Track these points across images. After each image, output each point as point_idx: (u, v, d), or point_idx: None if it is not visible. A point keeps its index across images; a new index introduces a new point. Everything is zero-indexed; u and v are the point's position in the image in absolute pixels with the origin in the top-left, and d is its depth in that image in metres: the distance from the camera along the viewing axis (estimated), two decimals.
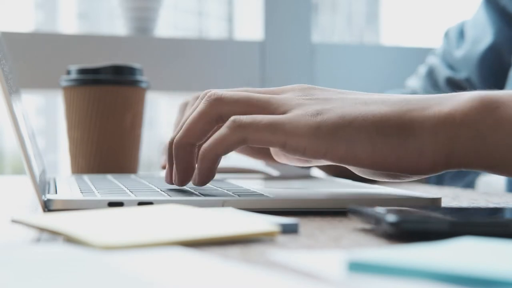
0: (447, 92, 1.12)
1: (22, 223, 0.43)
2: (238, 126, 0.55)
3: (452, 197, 0.74)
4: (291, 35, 1.45)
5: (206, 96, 0.58)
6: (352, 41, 2.59)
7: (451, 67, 1.14)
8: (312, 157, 0.56)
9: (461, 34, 1.16)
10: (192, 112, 0.59)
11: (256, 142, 0.56)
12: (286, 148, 0.56)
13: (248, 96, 0.58)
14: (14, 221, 0.44)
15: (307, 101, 0.57)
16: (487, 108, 0.54)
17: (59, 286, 0.29)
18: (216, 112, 0.58)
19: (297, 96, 0.58)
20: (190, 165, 0.59)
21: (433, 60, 1.17)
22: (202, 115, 0.58)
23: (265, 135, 0.55)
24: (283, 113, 0.57)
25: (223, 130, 0.56)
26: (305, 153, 0.55)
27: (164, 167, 0.76)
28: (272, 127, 0.55)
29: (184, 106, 0.84)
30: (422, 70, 1.20)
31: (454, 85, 1.12)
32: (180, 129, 0.59)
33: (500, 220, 0.44)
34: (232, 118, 0.56)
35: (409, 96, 0.57)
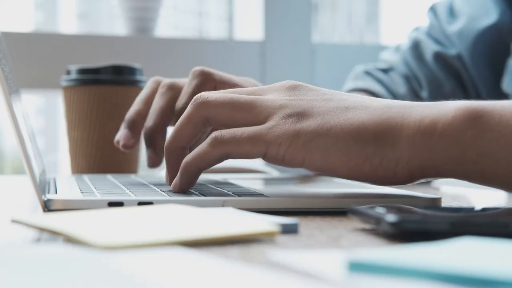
0: (433, 67, 1.10)
1: (22, 223, 0.43)
2: (220, 143, 0.57)
3: (452, 197, 0.74)
4: (291, 35, 1.45)
5: (193, 100, 0.59)
6: (352, 41, 2.59)
7: (439, 42, 1.11)
8: (290, 166, 0.57)
9: (450, 10, 1.12)
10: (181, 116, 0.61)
11: (238, 156, 0.57)
12: (266, 157, 0.57)
13: (233, 99, 0.58)
14: (14, 221, 0.44)
15: (290, 103, 0.58)
16: (471, 119, 0.54)
17: (59, 286, 0.29)
18: (203, 115, 0.59)
19: (281, 97, 0.58)
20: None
21: (417, 34, 1.12)
22: (189, 119, 0.59)
23: (246, 148, 0.57)
24: (265, 118, 0.57)
25: (204, 146, 0.58)
26: (284, 162, 0.56)
27: (117, 142, 0.77)
28: (252, 140, 0.56)
29: (153, 83, 0.81)
30: (404, 43, 1.16)
31: (443, 61, 1.09)
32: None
33: (500, 220, 0.44)
34: (213, 134, 0.57)
35: (392, 102, 0.57)
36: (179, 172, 0.59)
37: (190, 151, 0.60)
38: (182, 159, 0.60)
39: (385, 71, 1.13)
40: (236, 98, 0.59)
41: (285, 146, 0.56)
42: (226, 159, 0.58)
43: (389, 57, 1.15)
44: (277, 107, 0.58)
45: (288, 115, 0.57)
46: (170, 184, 0.61)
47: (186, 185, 0.59)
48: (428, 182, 1.04)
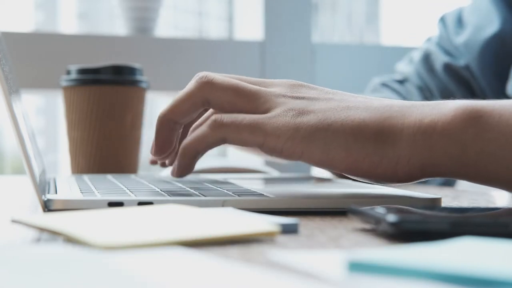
0: (444, 78, 1.11)
1: (22, 223, 0.43)
2: (219, 126, 0.57)
3: (452, 197, 0.74)
4: (291, 35, 1.45)
5: (198, 78, 0.59)
6: (352, 41, 2.59)
7: (448, 53, 1.12)
8: (288, 158, 0.57)
9: (459, 20, 1.13)
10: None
11: (236, 142, 0.57)
12: (264, 147, 0.57)
13: (238, 85, 0.58)
14: (14, 221, 0.44)
15: (293, 99, 0.58)
16: (470, 118, 0.54)
17: (59, 286, 0.29)
18: (204, 95, 0.59)
19: (284, 92, 0.59)
20: (168, 140, 0.61)
21: (428, 46, 1.15)
22: (190, 96, 0.59)
23: (245, 135, 0.57)
24: (267, 110, 0.57)
25: (204, 128, 0.58)
26: (282, 154, 0.57)
27: (151, 162, 0.77)
28: (252, 127, 0.56)
29: None
30: (416, 54, 1.17)
31: (452, 72, 1.10)
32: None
33: (500, 220, 0.44)
34: (214, 117, 0.57)
35: (393, 102, 0.57)
36: (177, 156, 0.59)
37: (184, 135, 0.60)
38: (171, 133, 0.60)
39: (401, 82, 1.16)
40: (241, 85, 0.58)
41: (284, 139, 0.56)
42: (224, 143, 0.58)
43: (404, 69, 1.18)
44: (280, 101, 0.58)
45: (290, 109, 0.57)
46: (154, 155, 0.61)
47: (184, 168, 0.59)
48: (452, 183, 1.05)
